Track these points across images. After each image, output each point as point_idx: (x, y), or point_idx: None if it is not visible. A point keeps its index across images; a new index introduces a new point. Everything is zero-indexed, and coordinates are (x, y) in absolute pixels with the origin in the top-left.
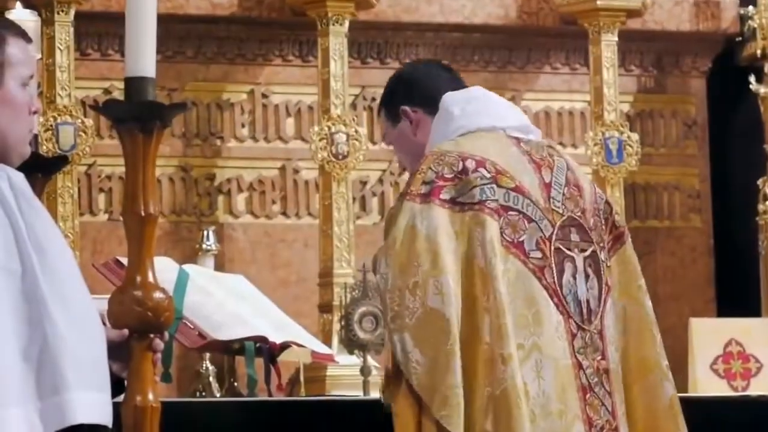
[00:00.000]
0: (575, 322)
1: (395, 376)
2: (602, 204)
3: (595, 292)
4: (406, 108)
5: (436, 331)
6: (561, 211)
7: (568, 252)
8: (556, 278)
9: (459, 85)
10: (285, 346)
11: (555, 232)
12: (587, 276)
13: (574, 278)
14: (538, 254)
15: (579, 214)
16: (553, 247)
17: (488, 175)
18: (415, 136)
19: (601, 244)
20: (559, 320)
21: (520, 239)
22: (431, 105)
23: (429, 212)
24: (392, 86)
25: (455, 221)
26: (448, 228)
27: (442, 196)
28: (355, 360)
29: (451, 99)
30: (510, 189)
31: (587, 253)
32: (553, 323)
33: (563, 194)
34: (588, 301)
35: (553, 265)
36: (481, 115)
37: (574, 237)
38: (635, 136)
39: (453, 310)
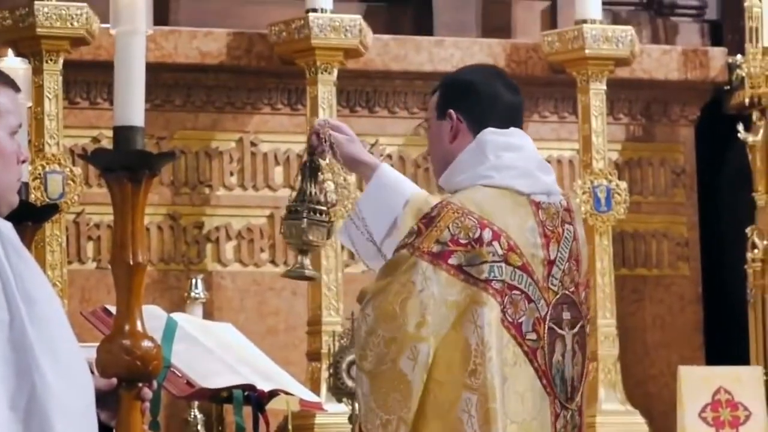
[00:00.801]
0: (560, 401)
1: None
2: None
3: (579, 368)
4: (454, 114)
5: (397, 394)
6: (556, 290)
7: (560, 331)
8: (547, 359)
9: (513, 114)
10: (273, 394)
11: (549, 312)
12: (574, 353)
13: (563, 357)
14: (533, 336)
15: (572, 289)
16: (546, 327)
17: (500, 252)
18: (450, 143)
19: (588, 316)
20: (546, 402)
21: (519, 320)
22: (477, 125)
23: (433, 274)
24: (455, 85)
25: (456, 290)
26: (447, 296)
27: (450, 261)
28: (343, 408)
29: (490, 140)
30: (517, 267)
31: (575, 330)
32: (539, 406)
33: (563, 271)
34: (572, 378)
35: (545, 346)
36: (512, 173)
37: (566, 315)
38: (624, 185)
39: (420, 381)
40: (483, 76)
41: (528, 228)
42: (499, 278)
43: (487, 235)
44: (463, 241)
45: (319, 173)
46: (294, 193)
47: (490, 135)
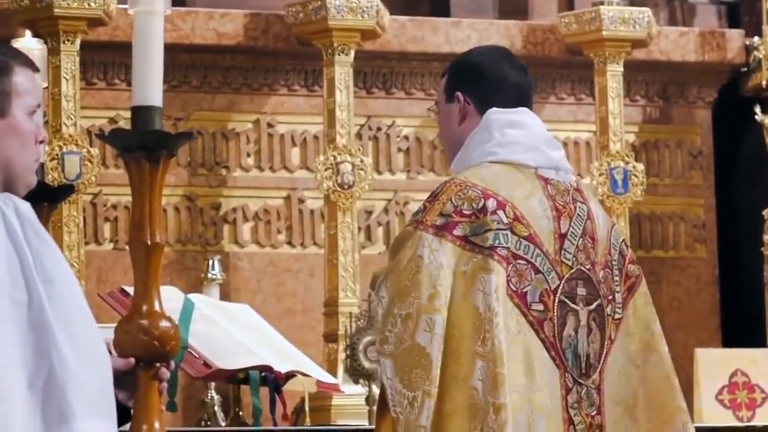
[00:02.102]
0: (572, 376)
1: (382, 399)
2: (616, 255)
3: (597, 346)
4: (462, 96)
5: (419, 369)
6: (570, 264)
7: (573, 305)
8: (556, 331)
9: (521, 95)
10: (290, 375)
11: (561, 285)
12: (590, 330)
13: (576, 332)
14: (540, 306)
15: (588, 266)
16: (557, 300)
17: (505, 221)
18: (458, 125)
19: (609, 297)
20: (554, 374)
21: (524, 290)
22: (484, 107)
23: (439, 246)
24: (462, 67)
25: (463, 260)
26: (454, 266)
27: (455, 232)
28: (360, 389)
29: (495, 118)
30: (523, 237)
31: (592, 307)
32: (546, 377)
33: (576, 246)
34: (588, 356)
35: (555, 318)
36: (517, 148)
37: (581, 290)
38: (640, 167)
39: (438, 352)
40: (490, 58)
41: (535, 199)
42: (504, 245)
43: (491, 204)
44: (466, 212)
45: None
46: None
47: (495, 114)
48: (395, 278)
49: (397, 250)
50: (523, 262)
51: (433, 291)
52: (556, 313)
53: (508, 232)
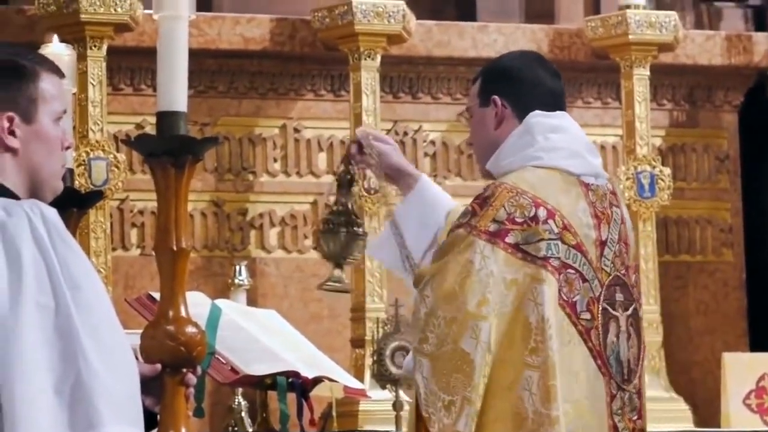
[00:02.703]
0: (615, 382)
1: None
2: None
3: (635, 350)
4: (499, 100)
5: (460, 374)
6: (609, 270)
7: (613, 312)
8: (601, 339)
9: (556, 99)
10: (317, 380)
11: (602, 292)
12: (629, 335)
13: (617, 338)
14: (587, 315)
15: (623, 272)
16: (600, 308)
17: (556, 230)
18: (494, 129)
19: (641, 301)
20: (600, 382)
21: (574, 299)
22: (522, 110)
23: (491, 253)
24: (497, 72)
25: (514, 269)
26: (506, 274)
27: (507, 240)
28: (387, 395)
29: (537, 122)
30: (572, 246)
31: (629, 312)
32: (594, 386)
33: (614, 252)
34: (629, 361)
35: (600, 326)
36: (561, 154)
37: (619, 296)
38: (667, 171)
39: (482, 359)
40: (525, 62)
41: (580, 208)
42: (556, 256)
43: (542, 213)
44: (519, 220)
45: (354, 185)
46: (332, 205)
47: (538, 117)
48: (443, 280)
49: (446, 251)
50: (573, 271)
51: (481, 298)
52: (600, 321)
53: (559, 242)
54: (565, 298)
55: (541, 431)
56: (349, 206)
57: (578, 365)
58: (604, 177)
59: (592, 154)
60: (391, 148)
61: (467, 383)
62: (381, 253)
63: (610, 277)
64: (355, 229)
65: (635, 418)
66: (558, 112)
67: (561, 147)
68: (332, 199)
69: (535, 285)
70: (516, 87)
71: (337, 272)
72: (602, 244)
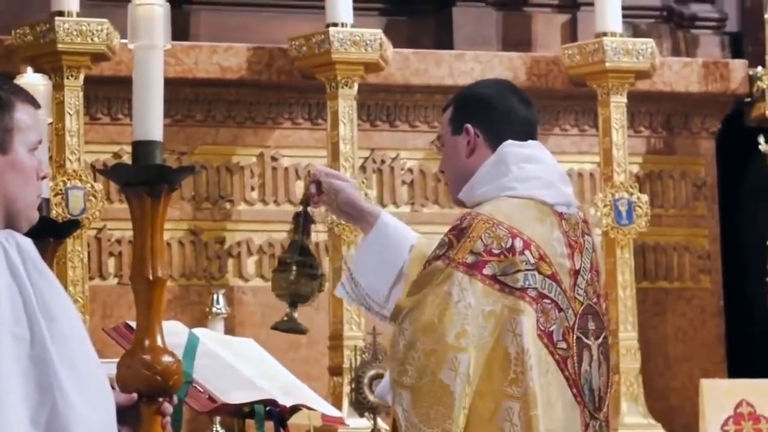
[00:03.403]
0: (589, 411)
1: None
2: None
3: (605, 378)
4: (471, 128)
5: (440, 406)
6: (582, 300)
7: (586, 340)
8: (576, 368)
9: (529, 128)
10: (295, 409)
11: (576, 321)
12: (599, 363)
13: (590, 367)
14: (564, 345)
15: (595, 300)
16: (575, 337)
17: (532, 261)
18: (467, 158)
19: (609, 328)
20: (576, 412)
21: (551, 329)
22: (495, 139)
23: (469, 285)
24: (470, 100)
25: (492, 300)
26: (484, 306)
27: (485, 271)
28: (365, 422)
29: (511, 152)
30: (547, 276)
31: (600, 340)
32: (569, 416)
33: (586, 281)
34: (599, 389)
35: (574, 356)
36: (536, 184)
37: (591, 325)
38: (645, 198)
39: (461, 391)
40: (498, 91)
41: (554, 238)
42: (533, 286)
43: (518, 244)
44: (496, 251)
45: (312, 225)
46: (289, 245)
47: (511, 147)
48: (421, 312)
49: (424, 284)
50: (549, 301)
51: (460, 329)
52: (575, 350)
53: (535, 272)
54: (542, 328)
55: None
56: (304, 245)
57: (555, 395)
58: (575, 206)
59: (564, 183)
60: (348, 185)
61: (447, 415)
62: (344, 294)
63: (583, 306)
64: (309, 269)
65: None
66: (531, 141)
67: (535, 177)
68: (289, 237)
69: (514, 316)
70: (489, 115)
71: (289, 311)
72: (576, 273)
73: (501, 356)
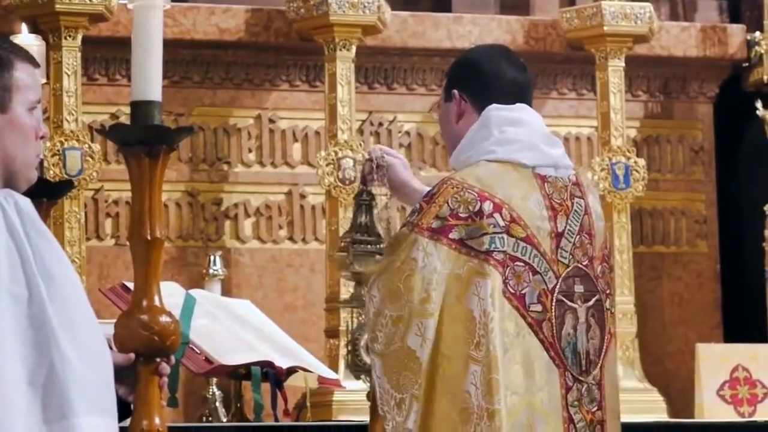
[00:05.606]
0: (572, 374)
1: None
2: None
3: (597, 342)
4: (458, 94)
5: (408, 372)
6: (567, 262)
7: (570, 303)
8: (555, 331)
9: (519, 92)
10: (291, 371)
11: (558, 284)
12: (588, 326)
13: (575, 330)
14: (538, 307)
15: (586, 263)
16: (554, 300)
17: (502, 224)
18: (456, 123)
19: (607, 291)
20: (554, 374)
21: (522, 291)
22: (481, 104)
23: (434, 250)
24: (459, 66)
25: (458, 264)
26: (449, 270)
27: (451, 236)
28: (361, 385)
29: (495, 115)
30: (520, 239)
31: (590, 303)
32: (546, 378)
33: (573, 243)
34: (588, 352)
35: (553, 318)
36: (515, 147)
37: (578, 288)
38: (642, 162)
39: (428, 356)
40: (487, 55)
41: (532, 200)
42: (500, 249)
43: (487, 207)
44: (462, 215)
45: (373, 203)
46: (355, 227)
47: (495, 111)
48: (388, 279)
49: (391, 251)
50: (521, 263)
51: (425, 295)
52: (554, 313)
53: (505, 235)
54: (512, 290)
55: (482, 425)
56: (362, 224)
57: (529, 357)
58: (566, 167)
59: (550, 145)
60: (398, 162)
61: (415, 381)
62: None
63: (569, 269)
64: (366, 247)
65: (594, 409)
66: (518, 104)
67: (516, 140)
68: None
69: (478, 279)
70: (475, 81)
71: (356, 288)
72: (558, 236)
73: (466, 320)
